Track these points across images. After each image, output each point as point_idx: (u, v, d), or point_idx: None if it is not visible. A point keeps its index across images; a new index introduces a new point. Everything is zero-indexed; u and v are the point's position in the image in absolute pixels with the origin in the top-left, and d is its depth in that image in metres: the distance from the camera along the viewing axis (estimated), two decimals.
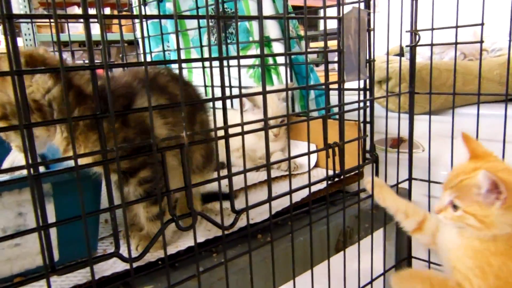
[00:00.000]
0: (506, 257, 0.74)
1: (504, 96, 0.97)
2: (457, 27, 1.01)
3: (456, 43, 1.04)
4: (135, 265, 0.71)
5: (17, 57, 0.51)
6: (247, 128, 0.71)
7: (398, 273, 0.88)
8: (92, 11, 0.57)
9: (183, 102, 0.62)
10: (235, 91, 1.43)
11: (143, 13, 1.52)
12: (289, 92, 1.43)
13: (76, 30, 3.20)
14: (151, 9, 1.79)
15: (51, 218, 0.68)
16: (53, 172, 0.58)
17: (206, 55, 1.52)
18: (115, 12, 2.67)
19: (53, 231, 0.69)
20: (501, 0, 1.00)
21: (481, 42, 0.99)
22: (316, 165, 1.32)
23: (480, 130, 1.00)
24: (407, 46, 1.13)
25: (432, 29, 1.06)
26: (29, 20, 2.34)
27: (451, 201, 0.79)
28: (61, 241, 0.70)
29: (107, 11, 3.58)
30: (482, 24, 0.96)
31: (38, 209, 0.52)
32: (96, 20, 0.56)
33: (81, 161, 0.56)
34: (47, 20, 2.07)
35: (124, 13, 1.94)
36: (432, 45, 1.09)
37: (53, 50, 2.20)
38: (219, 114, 0.67)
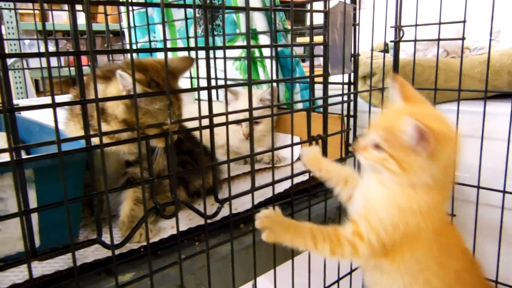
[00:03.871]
0: (422, 218, 0.71)
1: (484, 93, 1.00)
2: (440, 23, 1.02)
3: (438, 39, 1.06)
4: (117, 252, 0.71)
5: (0, 41, 0.51)
6: (231, 119, 0.72)
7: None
8: None
9: (169, 91, 0.63)
10: (221, 83, 1.43)
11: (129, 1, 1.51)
12: (274, 85, 1.44)
13: (60, 19, 3.16)
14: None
15: (33, 204, 0.68)
16: (36, 158, 0.58)
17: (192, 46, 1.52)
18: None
19: (34, 217, 0.69)
20: (484, 0, 1.02)
21: (463, 39, 1.01)
22: (300, 158, 1.33)
23: (460, 126, 1.02)
24: (391, 41, 1.15)
25: (416, 25, 1.08)
26: (11, 7, 2.30)
27: (376, 142, 0.72)
28: (42, 227, 0.70)
29: None
30: (464, 22, 0.98)
31: (19, 194, 0.52)
32: (81, 8, 0.56)
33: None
34: (31, 7, 2.03)
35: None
36: (415, 40, 1.11)
37: (37, 38, 2.17)
38: (203, 105, 0.68)
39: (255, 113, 1.23)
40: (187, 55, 1.47)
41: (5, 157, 0.52)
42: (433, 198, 0.71)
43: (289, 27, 1.54)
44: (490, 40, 1.02)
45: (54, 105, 0.52)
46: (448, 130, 0.70)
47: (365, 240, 0.71)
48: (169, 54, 0.70)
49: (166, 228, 0.87)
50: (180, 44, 1.71)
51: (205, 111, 0.67)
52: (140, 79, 0.75)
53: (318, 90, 1.01)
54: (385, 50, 1.36)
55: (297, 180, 0.99)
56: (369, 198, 0.75)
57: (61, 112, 0.92)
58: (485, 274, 0.84)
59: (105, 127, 0.79)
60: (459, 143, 0.73)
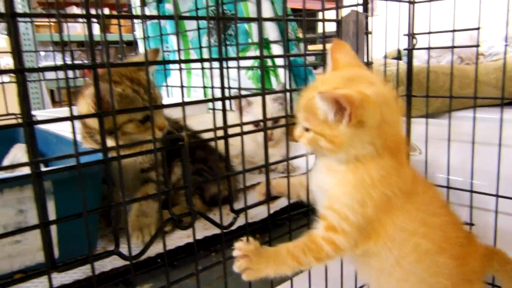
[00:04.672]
0: (384, 187, 0.67)
1: (500, 100, 0.98)
2: (454, 31, 1.02)
3: (452, 47, 1.06)
4: (134, 261, 0.72)
5: (20, 55, 0.52)
6: (245, 129, 0.72)
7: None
8: (91, 11, 0.58)
9: (183, 103, 0.63)
10: (233, 93, 1.44)
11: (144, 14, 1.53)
12: (288, 94, 1.44)
13: (74, 30, 3.21)
14: (151, 10, 1.80)
15: (51, 215, 0.69)
16: (55, 170, 0.59)
17: (205, 56, 1.53)
18: (115, 13, 2.68)
19: (53, 228, 0.70)
20: (497, 6, 1.01)
21: (477, 46, 1.00)
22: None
23: (476, 133, 1.01)
24: (404, 49, 1.14)
25: (430, 32, 1.07)
26: (28, 20, 2.34)
27: (302, 124, 0.69)
28: (61, 238, 0.71)
29: (106, 11, 3.58)
30: (478, 29, 0.97)
31: (39, 206, 0.53)
32: (95, 20, 0.57)
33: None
34: (47, 20, 2.07)
35: (124, 13, 1.94)
36: (429, 48, 1.10)
37: (53, 50, 2.21)
38: (218, 115, 0.68)
39: (273, 115, 1.23)
40: (199, 66, 1.49)
41: (25, 170, 0.53)
42: (384, 165, 0.67)
43: (301, 35, 1.55)
44: (506, 45, 1.02)
45: (72, 118, 0.53)
46: (373, 91, 0.64)
47: (339, 231, 0.67)
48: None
49: (182, 237, 0.87)
50: (193, 54, 1.73)
51: (219, 121, 0.68)
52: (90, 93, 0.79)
53: None
54: (398, 57, 1.36)
55: None
56: (325, 189, 0.71)
57: (77, 123, 0.94)
58: (463, 226, 0.80)
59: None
60: (392, 102, 0.68)
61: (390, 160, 0.67)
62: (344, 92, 0.61)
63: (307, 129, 0.68)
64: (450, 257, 0.72)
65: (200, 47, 1.46)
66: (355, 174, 0.67)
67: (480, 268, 0.78)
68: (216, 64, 0.69)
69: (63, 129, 0.99)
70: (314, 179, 0.76)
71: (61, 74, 1.77)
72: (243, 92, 1.44)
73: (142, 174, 0.93)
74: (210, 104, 1.65)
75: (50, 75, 2.32)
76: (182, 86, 0.65)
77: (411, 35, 1.12)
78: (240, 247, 0.67)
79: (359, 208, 0.66)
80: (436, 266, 0.71)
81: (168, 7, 1.74)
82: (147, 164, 0.91)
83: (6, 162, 1.07)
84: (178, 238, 0.87)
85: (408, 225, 0.69)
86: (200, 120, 1.28)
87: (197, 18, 1.22)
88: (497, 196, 0.99)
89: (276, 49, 1.53)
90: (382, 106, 0.65)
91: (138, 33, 1.90)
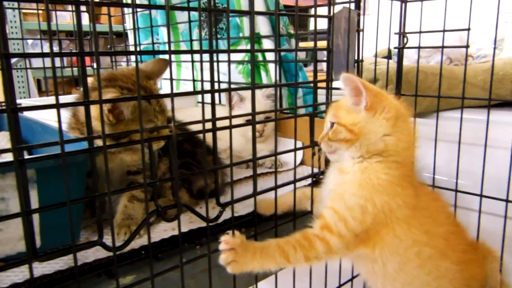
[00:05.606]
0: (388, 196, 0.71)
1: (487, 101, 0.99)
2: (444, 31, 1.02)
3: (442, 47, 1.06)
4: (118, 253, 0.71)
5: (5, 40, 0.51)
6: (234, 122, 0.72)
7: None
8: None
9: (172, 94, 0.63)
10: (223, 87, 1.43)
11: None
12: (278, 89, 1.44)
13: (63, 20, 3.16)
14: (142, 1, 1.78)
15: (34, 204, 0.67)
16: (38, 158, 0.57)
17: (196, 49, 1.52)
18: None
19: (35, 218, 0.69)
20: (487, 8, 1.02)
21: (467, 47, 1.01)
22: (302, 163, 1.33)
23: (463, 133, 1.02)
24: (395, 48, 1.14)
25: (420, 32, 1.08)
26: (15, 6, 2.30)
27: (331, 123, 0.77)
28: (43, 227, 0.70)
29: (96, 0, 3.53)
30: (468, 29, 0.98)
31: (22, 194, 0.52)
32: (85, 9, 0.56)
33: None
34: (35, 6, 2.04)
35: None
36: (419, 48, 1.11)
37: (40, 38, 2.17)
38: (207, 109, 0.67)
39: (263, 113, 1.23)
40: (189, 58, 1.47)
41: (8, 157, 0.52)
42: (392, 173, 0.72)
43: (292, 31, 1.54)
44: (494, 48, 1.03)
45: (58, 106, 0.52)
46: (396, 102, 0.76)
47: (334, 232, 0.69)
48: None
49: (167, 230, 0.87)
50: (183, 46, 1.71)
51: (208, 115, 0.67)
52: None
53: (321, 95, 1.01)
54: (389, 56, 1.36)
55: (299, 185, 0.99)
56: (333, 189, 0.76)
57: (64, 113, 0.92)
58: (469, 235, 0.86)
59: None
60: (407, 118, 0.78)
61: (398, 170, 0.73)
62: (363, 80, 0.71)
63: (332, 125, 0.76)
64: (452, 263, 0.76)
65: (191, 40, 1.45)
66: (364, 173, 0.72)
67: (481, 276, 0.82)
68: (206, 57, 0.68)
69: (49, 119, 0.98)
70: (325, 185, 0.81)
71: (48, 63, 1.74)
72: (233, 86, 1.43)
73: (128, 177, 0.92)
74: (199, 98, 1.64)
75: (37, 63, 2.29)
76: (171, 79, 0.65)
77: (402, 34, 1.13)
78: (227, 240, 0.67)
79: (359, 215, 0.70)
80: (438, 270, 0.75)
81: None
82: (135, 168, 0.90)
83: None
84: (163, 231, 0.86)
85: (410, 236, 0.73)
86: (188, 114, 1.27)
87: (188, 9, 1.21)
88: (481, 196, 1.01)
89: (267, 45, 1.52)
90: (398, 114, 0.74)
91: (128, 24, 1.88)
